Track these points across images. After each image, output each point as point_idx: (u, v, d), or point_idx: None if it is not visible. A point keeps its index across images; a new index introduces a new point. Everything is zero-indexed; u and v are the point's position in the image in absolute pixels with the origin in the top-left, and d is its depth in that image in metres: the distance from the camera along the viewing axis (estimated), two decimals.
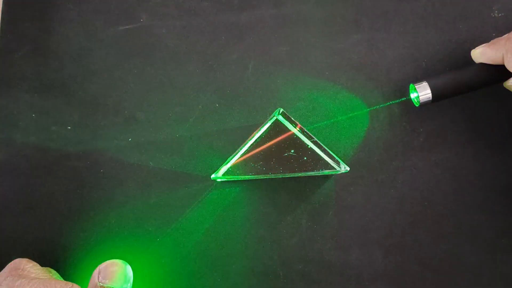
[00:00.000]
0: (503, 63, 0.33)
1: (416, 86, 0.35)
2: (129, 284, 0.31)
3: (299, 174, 0.34)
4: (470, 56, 0.36)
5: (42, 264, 0.33)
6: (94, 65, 0.38)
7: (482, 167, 0.36)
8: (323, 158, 0.32)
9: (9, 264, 0.31)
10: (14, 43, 0.39)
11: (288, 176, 0.36)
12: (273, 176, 0.35)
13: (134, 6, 0.39)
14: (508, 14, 0.38)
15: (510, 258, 0.35)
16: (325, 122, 0.37)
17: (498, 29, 0.38)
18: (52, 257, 0.36)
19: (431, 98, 0.35)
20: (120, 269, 0.31)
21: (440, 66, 0.38)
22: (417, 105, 0.36)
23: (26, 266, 0.31)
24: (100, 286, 0.29)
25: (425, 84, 0.35)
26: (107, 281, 0.30)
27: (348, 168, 0.33)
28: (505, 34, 0.36)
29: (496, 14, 0.38)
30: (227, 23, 0.39)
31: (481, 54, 0.34)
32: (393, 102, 0.37)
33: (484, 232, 0.36)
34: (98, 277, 0.30)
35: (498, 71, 0.34)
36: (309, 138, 0.32)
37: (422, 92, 0.35)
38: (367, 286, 0.35)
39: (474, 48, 0.36)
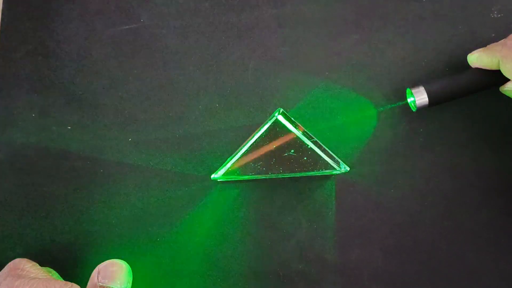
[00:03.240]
0: (499, 68, 0.33)
1: (412, 91, 0.35)
2: (128, 284, 0.31)
3: (299, 174, 0.34)
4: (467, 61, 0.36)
5: (42, 264, 0.33)
6: (94, 65, 0.38)
7: (482, 167, 0.36)
8: (323, 158, 0.32)
9: (9, 264, 0.31)
10: (14, 43, 0.39)
11: (288, 176, 0.36)
12: (273, 176, 0.35)
13: (134, 6, 0.39)
14: (507, 15, 0.38)
15: (510, 258, 0.35)
16: (325, 122, 0.37)
17: (497, 30, 0.38)
18: (52, 257, 0.36)
19: (427, 103, 0.35)
20: (120, 269, 0.30)
21: (440, 67, 0.38)
22: (414, 110, 0.36)
23: (25, 266, 0.30)
24: (99, 286, 0.29)
25: (421, 89, 0.35)
26: (106, 281, 0.30)
27: (348, 168, 0.33)
28: (504, 34, 0.36)
29: (495, 15, 0.39)
30: (227, 23, 0.39)
31: (477, 59, 0.35)
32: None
33: (484, 232, 0.36)
34: (98, 277, 0.30)
35: (494, 76, 0.34)
36: (309, 138, 0.32)
37: (418, 97, 0.35)
38: (367, 286, 0.35)
39: (473, 48, 0.36)
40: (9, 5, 0.39)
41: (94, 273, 0.30)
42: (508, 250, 0.35)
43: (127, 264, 0.31)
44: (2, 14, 0.39)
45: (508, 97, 0.36)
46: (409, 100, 0.36)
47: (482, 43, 0.38)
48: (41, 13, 0.39)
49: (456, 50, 0.38)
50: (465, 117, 0.37)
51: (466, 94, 0.35)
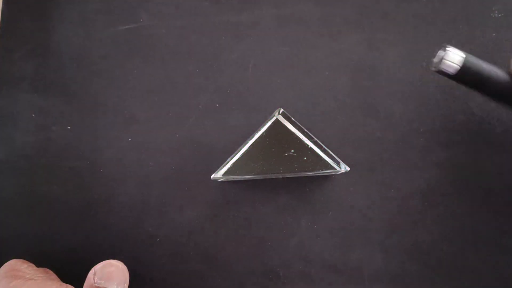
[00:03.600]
0: None
1: (451, 49, 0.30)
2: (125, 285, 0.31)
3: (299, 174, 0.34)
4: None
5: (41, 264, 0.33)
6: (94, 65, 0.38)
7: (482, 167, 0.36)
8: (323, 158, 0.32)
9: (5, 265, 0.31)
10: (14, 43, 0.39)
11: (288, 176, 0.36)
12: (273, 176, 0.35)
13: (134, 6, 0.39)
14: (508, 14, 0.38)
15: (510, 258, 0.35)
16: (325, 122, 0.37)
17: (498, 30, 0.38)
18: (51, 257, 0.36)
19: (455, 70, 0.30)
20: (116, 269, 0.30)
21: None
22: (433, 68, 0.31)
23: (21, 267, 0.30)
24: (95, 287, 0.29)
25: (460, 57, 0.30)
26: (103, 282, 0.29)
27: (348, 168, 0.33)
28: (505, 34, 0.36)
29: (496, 15, 0.38)
30: (227, 23, 0.39)
31: None
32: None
33: (485, 232, 0.36)
34: (94, 278, 0.30)
35: None
36: (309, 138, 0.32)
37: (452, 59, 0.30)
38: (367, 286, 0.35)
39: (473, 49, 0.36)
40: (9, 5, 0.39)
41: (90, 273, 0.30)
42: (508, 250, 0.35)
43: (123, 264, 0.31)
44: (1, 14, 0.39)
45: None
46: (439, 55, 0.31)
47: (482, 43, 0.38)
48: (40, 13, 0.39)
49: None
50: (465, 117, 0.37)
51: (491, 94, 0.31)
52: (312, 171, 0.32)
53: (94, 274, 0.29)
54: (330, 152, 0.33)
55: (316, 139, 0.32)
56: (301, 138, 0.32)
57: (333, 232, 0.36)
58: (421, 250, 0.35)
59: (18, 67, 0.38)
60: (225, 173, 0.33)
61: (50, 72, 0.38)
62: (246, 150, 0.32)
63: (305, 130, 0.32)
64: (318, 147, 0.32)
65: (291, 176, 0.35)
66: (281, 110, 0.32)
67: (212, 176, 0.34)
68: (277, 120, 0.32)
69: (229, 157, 0.33)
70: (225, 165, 0.33)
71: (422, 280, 0.35)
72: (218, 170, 0.33)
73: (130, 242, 0.36)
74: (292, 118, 0.32)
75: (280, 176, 0.36)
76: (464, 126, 0.37)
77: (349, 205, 0.36)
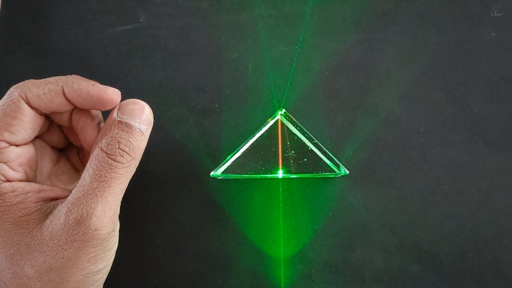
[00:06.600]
0: None
1: None
2: (148, 127, 0.29)
3: (299, 176, 0.34)
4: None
5: None
6: (93, 65, 0.38)
7: (482, 167, 0.36)
8: (323, 160, 0.32)
9: None
10: (13, 44, 0.38)
11: (287, 177, 0.36)
12: (272, 176, 0.35)
13: (133, 7, 0.39)
14: (507, 14, 0.38)
15: (510, 258, 0.35)
16: (325, 122, 0.37)
17: (497, 29, 0.38)
18: None
19: None
20: (140, 108, 0.29)
21: (440, 66, 0.38)
22: None
23: None
24: (117, 121, 0.28)
25: None
26: (125, 117, 0.28)
27: (347, 172, 0.33)
28: (505, 33, 0.36)
29: (495, 14, 0.38)
30: (227, 23, 0.39)
31: None
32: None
33: (485, 232, 0.36)
34: (117, 112, 0.28)
35: None
36: (310, 139, 0.32)
37: None
38: (367, 286, 0.35)
39: (474, 48, 0.36)
40: (7, 6, 0.39)
41: (114, 109, 0.29)
42: (508, 250, 0.35)
43: (149, 107, 0.29)
44: (0, 15, 0.39)
45: (508, 97, 0.36)
46: None
47: (482, 43, 0.38)
48: (39, 14, 0.39)
49: (456, 50, 0.38)
50: (465, 117, 0.37)
51: None
52: (312, 173, 0.32)
53: (118, 109, 0.28)
54: (330, 155, 0.33)
55: (316, 141, 0.32)
56: (302, 139, 0.32)
57: (333, 232, 0.36)
58: (421, 250, 0.36)
59: (17, 68, 0.38)
60: (225, 171, 0.33)
61: (49, 73, 0.38)
62: (246, 149, 0.32)
63: (306, 131, 0.32)
64: (318, 149, 0.32)
65: (290, 177, 0.35)
66: (284, 110, 0.32)
67: (212, 173, 0.34)
68: (279, 120, 0.32)
69: (229, 156, 0.33)
70: (225, 163, 0.33)
71: (422, 280, 0.35)
72: (218, 167, 0.33)
73: (130, 243, 0.36)
74: (294, 119, 0.32)
75: (279, 177, 0.36)
76: (464, 126, 0.37)
77: (349, 205, 0.36)
